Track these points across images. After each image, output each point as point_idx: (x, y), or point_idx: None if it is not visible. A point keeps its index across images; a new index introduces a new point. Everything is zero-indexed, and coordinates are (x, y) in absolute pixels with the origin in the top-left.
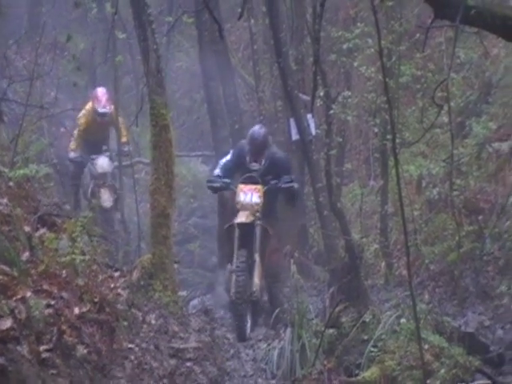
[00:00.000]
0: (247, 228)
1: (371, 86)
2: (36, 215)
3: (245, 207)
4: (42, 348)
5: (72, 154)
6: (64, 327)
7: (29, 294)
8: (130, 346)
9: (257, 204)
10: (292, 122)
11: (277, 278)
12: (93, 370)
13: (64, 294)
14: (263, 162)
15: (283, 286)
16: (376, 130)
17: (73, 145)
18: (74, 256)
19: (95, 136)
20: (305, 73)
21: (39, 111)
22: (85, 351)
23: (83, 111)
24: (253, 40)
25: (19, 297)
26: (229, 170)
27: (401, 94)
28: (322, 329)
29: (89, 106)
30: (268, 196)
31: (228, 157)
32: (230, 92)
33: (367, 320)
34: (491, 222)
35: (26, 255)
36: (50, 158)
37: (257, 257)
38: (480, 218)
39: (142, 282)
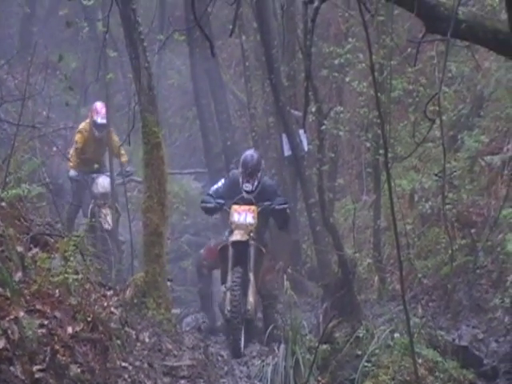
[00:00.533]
0: (241, 247)
1: (363, 101)
2: (29, 235)
3: (239, 227)
4: (35, 368)
5: (72, 172)
6: (57, 347)
7: (22, 314)
8: (123, 364)
9: (251, 224)
10: (284, 137)
11: (271, 296)
12: None
13: (57, 314)
14: (256, 185)
15: (277, 303)
16: (368, 144)
17: (72, 163)
18: (66, 275)
19: (92, 155)
20: (296, 88)
21: (31, 131)
22: (78, 370)
23: (79, 128)
24: (244, 56)
25: (12, 317)
26: (220, 196)
27: (393, 109)
28: (316, 344)
29: (84, 124)
30: (261, 217)
31: (219, 184)
32: (222, 109)
33: (361, 335)
34: (484, 236)
35: (18, 275)
36: (42, 177)
37: (251, 276)
38: (473, 231)
39: (135, 301)
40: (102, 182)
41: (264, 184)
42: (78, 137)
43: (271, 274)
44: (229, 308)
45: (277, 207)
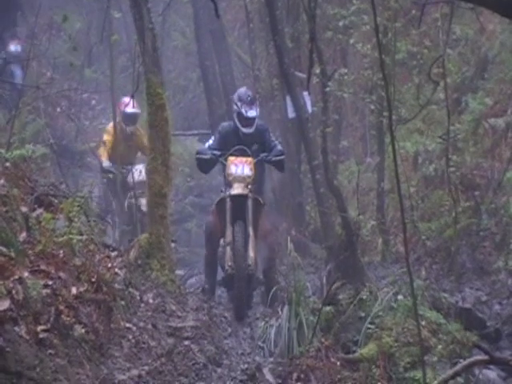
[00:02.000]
0: (240, 200)
1: (367, 63)
2: (33, 195)
3: (237, 179)
4: (39, 328)
5: (106, 163)
6: (61, 307)
7: (26, 274)
8: (127, 325)
9: (249, 176)
10: (288, 99)
11: (272, 257)
12: (90, 350)
13: (61, 274)
14: (258, 111)
15: (279, 264)
16: (372, 107)
17: (104, 154)
18: (71, 236)
19: (123, 152)
20: (301, 50)
21: (35, 91)
22: (82, 331)
23: (107, 128)
24: (248, 18)
25: (16, 277)
26: (217, 147)
27: (397, 71)
28: (320, 306)
29: (111, 125)
30: (258, 168)
31: (210, 141)
32: (226, 70)
33: (364, 297)
34: (487, 198)
35: (23, 235)
36: (46, 138)
37: (250, 230)
38: (476, 193)
39: (139, 262)
40: (140, 171)
41: (257, 125)
42: (106, 137)
43: (272, 234)
44: (230, 263)
45: (273, 159)
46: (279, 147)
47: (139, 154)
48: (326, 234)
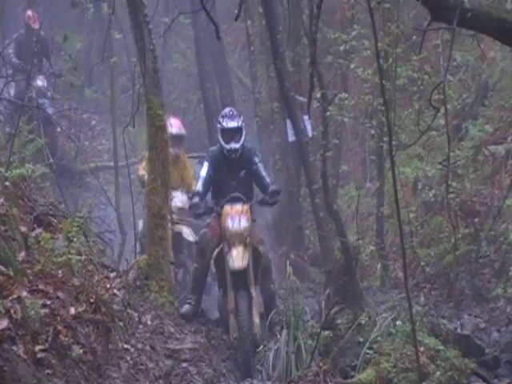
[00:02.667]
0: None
1: (368, 88)
2: (32, 215)
3: (234, 236)
4: (37, 348)
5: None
6: (60, 327)
7: (25, 293)
8: (125, 346)
9: (246, 229)
10: (288, 123)
11: (269, 276)
12: (88, 370)
13: (60, 294)
14: (240, 144)
15: (272, 275)
16: (372, 131)
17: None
18: (69, 256)
19: None
20: (301, 74)
21: (36, 111)
22: (80, 351)
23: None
24: (249, 41)
25: (15, 296)
26: (209, 179)
27: (397, 96)
28: (318, 331)
29: None
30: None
31: (204, 168)
32: (227, 93)
33: (363, 322)
34: (487, 225)
35: (21, 255)
36: (46, 157)
37: (253, 291)
38: (476, 220)
39: (137, 283)
40: (180, 197)
41: (243, 147)
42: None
43: (263, 244)
44: (235, 335)
45: (271, 201)
46: (268, 180)
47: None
48: (325, 258)
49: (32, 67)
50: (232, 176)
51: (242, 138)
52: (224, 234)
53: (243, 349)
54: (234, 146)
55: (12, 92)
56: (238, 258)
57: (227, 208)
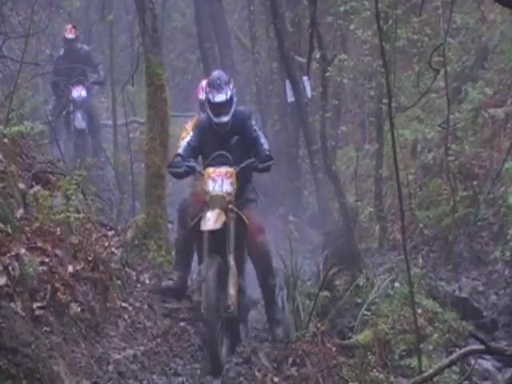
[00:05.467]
0: (218, 231)
1: (367, 50)
2: (30, 172)
3: (215, 199)
4: (35, 305)
5: None
6: (57, 285)
7: (23, 251)
8: (123, 304)
9: (229, 193)
10: (288, 83)
11: (268, 269)
12: (86, 328)
13: (58, 252)
14: (230, 95)
15: (274, 272)
16: (372, 93)
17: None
18: (68, 214)
19: None
20: (301, 35)
21: (34, 68)
22: (78, 309)
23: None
24: (249, 1)
25: (13, 254)
26: (192, 149)
27: (397, 58)
28: (316, 291)
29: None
30: (241, 176)
31: (190, 134)
32: (226, 53)
33: (361, 283)
34: (486, 188)
35: (20, 212)
36: (44, 115)
37: (231, 260)
38: (475, 183)
39: (136, 242)
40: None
41: (235, 112)
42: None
43: (262, 236)
44: (205, 305)
45: (260, 166)
46: (265, 146)
47: None
48: (323, 219)
49: (69, 80)
50: (222, 144)
51: (232, 108)
52: (204, 197)
53: (209, 322)
54: (224, 119)
55: (49, 106)
56: (211, 218)
57: (210, 170)
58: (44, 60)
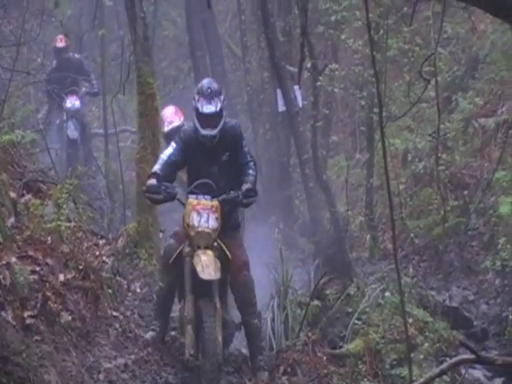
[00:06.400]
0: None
1: (358, 59)
2: (22, 181)
3: (201, 236)
4: (26, 314)
5: None
6: (48, 294)
7: (13, 259)
8: (114, 313)
9: (215, 230)
10: (279, 93)
11: (249, 307)
12: (77, 337)
13: (49, 261)
14: (219, 107)
15: (256, 306)
16: (363, 103)
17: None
18: (59, 222)
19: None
20: (292, 44)
21: (25, 77)
22: (69, 318)
23: None
24: (240, 10)
25: (4, 262)
26: (172, 165)
27: (388, 68)
28: (307, 300)
29: None
30: (225, 204)
31: (170, 149)
32: (217, 62)
33: (352, 293)
34: (476, 197)
35: (11, 221)
36: (36, 123)
37: (217, 302)
38: (465, 192)
39: (127, 250)
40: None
41: (226, 125)
42: None
43: (246, 270)
44: (192, 351)
45: (245, 201)
46: (251, 175)
47: None
48: (314, 228)
49: (62, 89)
50: (212, 160)
51: (222, 121)
52: (188, 231)
53: (206, 369)
54: (210, 132)
55: (39, 115)
56: (208, 265)
57: (193, 201)
58: (35, 69)
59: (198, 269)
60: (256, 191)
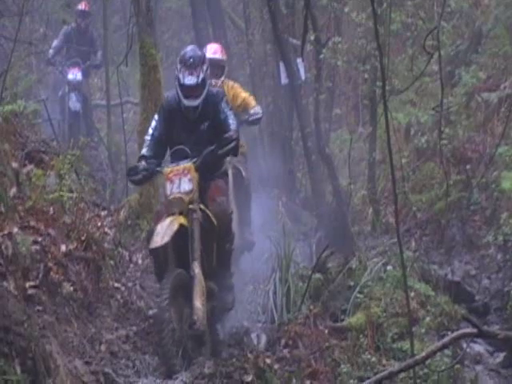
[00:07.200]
0: (180, 233)
1: (361, 33)
2: (24, 151)
3: (172, 203)
4: (28, 284)
5: None
6: (50, 264)
7: (16, 229)
8: (116, 284)
9: (188, 192)
10: (282, 65)
11: (225, 229)
12: (79, 308)
13: (51, 231)
14: (201, 78)
15: (232, 247)
16: (366, 76)
17: None
18: (61, 193)
19: None
20: (295, 17)
21: (28, 47)
22: (71, 288)
23: None
24: None
25: (6, 232)
26: (158, 143)
27: (391, 42)
28: (309, 274)
29: None
30: (206, 167)
31: (153, 122)
32: (220, 34)
33: (354, 266)
34: (479, 172)
35: (13, 191)
36: (38, 94)
37: (196, 268)
38: (468, 167)
39: (128, 222)
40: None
41: (208, 94)
42: None
43: (223, 195)
44: (158, 326)
45: (220, 152)
46: (232, 126)
47: None
48: (316, 201)
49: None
50: (191, 131)
51: (204, 91)
52: (164, 202)
53: (161, 342)
54: (193, 103)
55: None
56: (159, 232)
57: (167, 170)
58: (38, 39)
59: (150, 241)
60: (231, 137)
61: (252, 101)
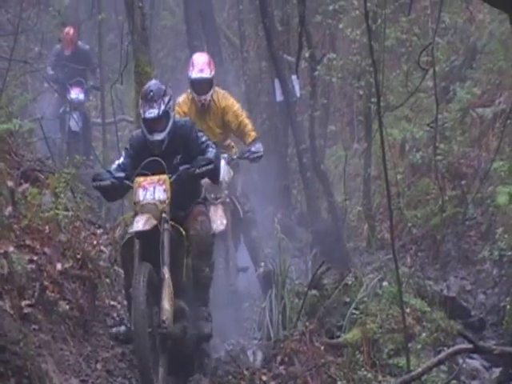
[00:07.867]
0: (151, 236)
1: (356, 49)
2: (19, 170)
3: (145, 208)
4: (23, 303)
5: None
6: (46, 283)
7: (11, 248)
8: (112, 303)
9: (162, 201)
10: (277, 82)
11: (204, 252)
12: (74, 326)
13: (46, 250)
14: (162, 110)
15: (211, 274)
16: (360, 92)
17: None
18: (57, 211)
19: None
20: (290, 34)
21: (23, 66)
22: (67, 307)
23: (178, 102)
24: (238, 0)
25: (1, 251)
26: (128, 165)
27: (386, 58)
28: (305, 290)
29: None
30: (182, 187)
31: (121, 158)
32: (215, 51)
33: (349, 282)
34: (474, 187)
35: (8, 210)
36: (33, 113)
37: (166, 272)
38: (463, 182)
39: (124, 240)
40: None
41: (175, 126)
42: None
43: (204, 216)
44: (134, 317)
45: (198, 171)
46: (210, 151)
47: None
48: (312, 218)
49: (67, 78)
50: (161, 165)
51: (169, 124)
52: (135, 209)
53: (138, 340)
54: (158, 137)
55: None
56: (141, 219)
57: (140, 179)
58: (33, 58)
59: (130, 228)
60: (210, 159)
61: (251, 131)
